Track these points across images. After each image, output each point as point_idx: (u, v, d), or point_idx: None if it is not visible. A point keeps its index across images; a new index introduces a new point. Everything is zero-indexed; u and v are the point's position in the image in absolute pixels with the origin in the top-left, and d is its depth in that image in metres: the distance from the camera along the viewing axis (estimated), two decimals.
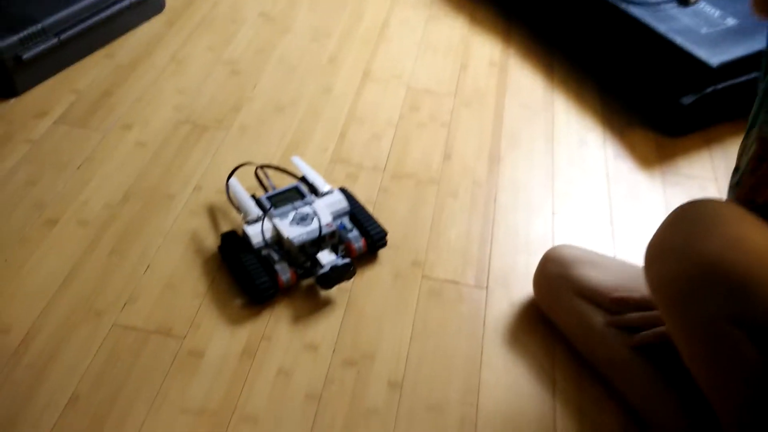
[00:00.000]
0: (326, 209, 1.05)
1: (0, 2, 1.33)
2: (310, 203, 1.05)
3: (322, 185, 1.10)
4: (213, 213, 1.12)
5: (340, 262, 0.97)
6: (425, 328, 0.98)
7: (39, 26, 1.30)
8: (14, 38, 1.26)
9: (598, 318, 0.90)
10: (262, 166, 1.16)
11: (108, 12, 1.41)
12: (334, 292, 1.02)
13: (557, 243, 1.12)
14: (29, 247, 1.04)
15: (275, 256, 1.00)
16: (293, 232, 1.00)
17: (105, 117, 1.29)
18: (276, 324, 0.97)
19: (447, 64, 1.50)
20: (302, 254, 1.01)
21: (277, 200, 1.06)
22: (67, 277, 1.00)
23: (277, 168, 1.17)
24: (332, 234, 1.03)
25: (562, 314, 0.96)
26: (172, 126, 1.28)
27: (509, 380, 0.92)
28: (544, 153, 1.29)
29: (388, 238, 1.08)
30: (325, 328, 0.97)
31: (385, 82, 1.44)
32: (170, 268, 1.03)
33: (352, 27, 1.59)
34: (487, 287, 1.04)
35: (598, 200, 1.20)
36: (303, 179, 1.12)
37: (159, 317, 0.96)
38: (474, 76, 1.47)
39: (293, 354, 0.93)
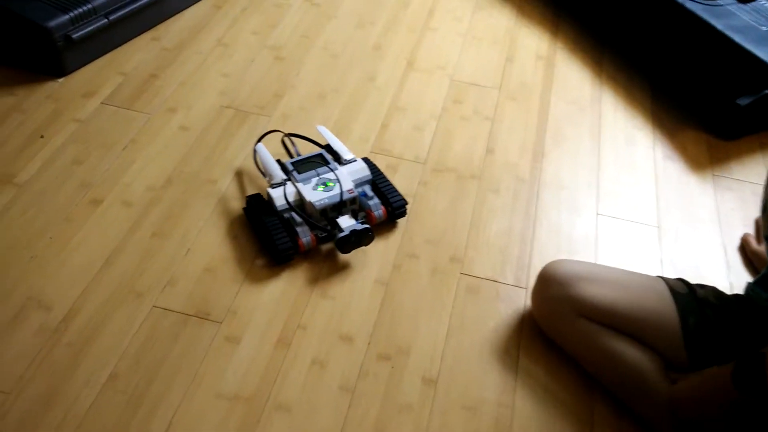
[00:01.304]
0: (348, 176, 1.08)
1: None
2: (333, 170, 1.08)
3: (346, 153, 1.12)
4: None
5: (359, 227, 1.00)
6: (462, 325, 0.97)
7: (89, 6, 1.31)
8: (65, 18, 1.28)
9: (604, 339, 0.85)
10: (289, 134, 1.18)
11: None
12: (371, 284, 1.01)
13: (601, 244, 1.09)
14: (74, 226, 1.06)
15: (297, 219, 1.03)
16: (315, 196, 1.03)
17: (150, 99, 1.30)
18: (312, 314, 0.97)
19: (492, 56, 1.47)
20: (323, 218, 1.04)
21: (302, 166, 1.09)
22: (109, 258, 1.02)
23: (303, 137, 1.18)
24: (353, 200, 1.05)
25: (566, 336, 0.90)
26: (215, 111, 1.29)
27: (547, 383, 0.90)
28: (590, 151, 1.26)
29: (428, 231, 1.06)
30: (361, 320, 0.96)
31: (429, 72, 1.42)
32: (210, 252, 1.04)
33: (397, 15, 1.57)
34: (526, 287, 1.02)
35: (646, 202, 1.17)
36: (328, 147, 1.15)
37: (198, 301, 0.97)
38: (520, 69, 1.44)
39: (328, 344, 0.93)
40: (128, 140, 1.21)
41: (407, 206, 1.10)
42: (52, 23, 1.26)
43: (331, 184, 1.05)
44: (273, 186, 1.05)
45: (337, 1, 1.60)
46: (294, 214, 1.04)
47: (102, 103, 1.28)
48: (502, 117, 1.32)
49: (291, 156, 1.15)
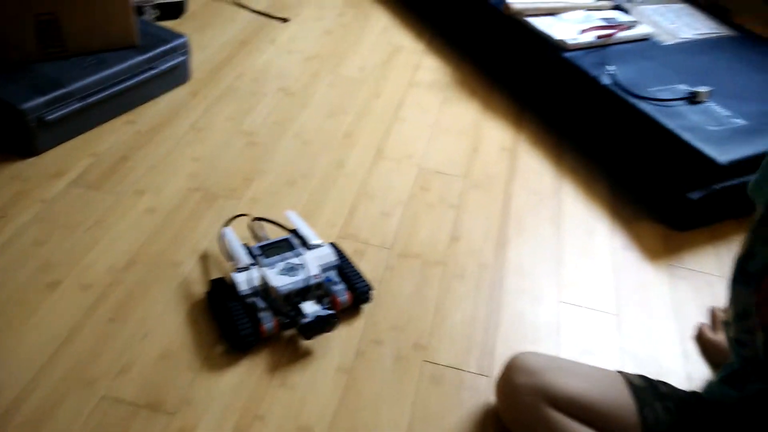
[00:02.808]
0: (315, 261, 1.08)
1: (31, 64, 1.39)
2: (299, 255, 1.08)
3: (313, 238, 1.13)
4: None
5: (324, 312, 1.00)
6: (425, 415, 0.95)
7: (66, 89, 1.34)
8: (40, 100, 1.30)
9: (572, 429, 0.83)
10: (256, 219, 1.19)
11: (134, 80, 1.47)
12: (333, 372, 0.99)
13: (563, 332, 1.10)
14: (30, 307, 1.04)
15: (260, 305, 1.02)
16: (280, 281, 1.03)
17: (119, 181, 1.31)
18: (271, 404, 0.94)
19: (459, 146, 1.53)
20: (287, 303, 1.03)
21: (268, 250, 1.09)
22: (64, 341, 0.99)
23: (270, 221, 1.20)
24: (318, 285, 1.05)
25: (533, 427, 0.87)
26: (183, 194, 1.30)
27: None
28: (552, 240, 1.29)
29: (392, 316, 1.06)
30: (321, 410, 0.94)
31: (397, 160, 1.46)
32: (168, 337, 1.02)
33: (368, 105, 1.64)
34: (490, 375, 1.02)
35: (605, 291, 1.19)
36: (295, 232, 1.16)
37: (151, 389, 0.94)
38: (484, 159, 1.49)
39: None
40: (93, 221, 1.21)
41: (372, 291, 1.10)
42: (27, 105, 1.29)
43: (296, 269, 1.06)
44: (238, 270, 1.05)
45: (311, 91, 1.66)
46: (257, 300, 1.03)
47: (70, 184, 1.29)
48: (467, 205, 1.35)
49: (258, 240, 1.16)
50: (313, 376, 0.99)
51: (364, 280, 1.10)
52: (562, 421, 0.84)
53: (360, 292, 1.08)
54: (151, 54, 1.50)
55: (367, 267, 1.18)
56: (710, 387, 0.92)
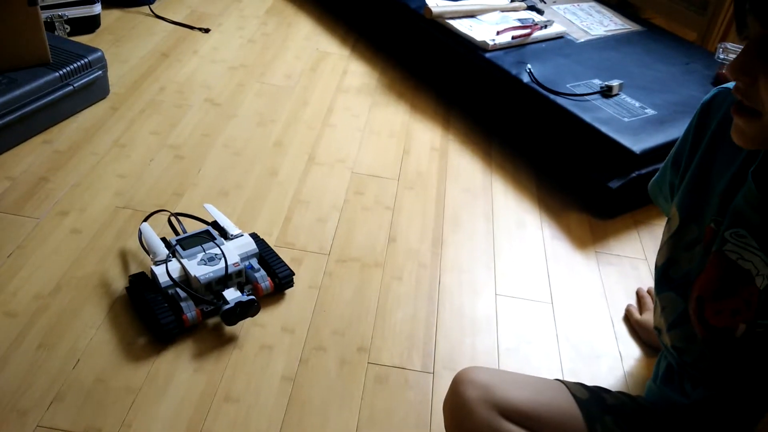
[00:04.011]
0: (235, 250, 1.11)
1: None
2: (219, 245, 1.10)
3: (232, 229, 1.16)
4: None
5: (245, 298, 1.02)
6: (372, 416, 0.96)
7: None
8: None
9: None
10: (175, 214, 1.20)
11: (49, 98, 1.40)
12: (278, 381, 0.98)
13: (502, 323, 1.13)
14: None
15: (182, 295, 1.03)
16: (200, 270, 1.05)
17: (40, 203, 1.25)
18: (215, 421, 0.92)
19: (390, 149, 1.55)
20: (209, 292, 1.05)
21: (187, 242, 1.11)
22: None
23: (189, 215, 1.21)
24: (239, 273, 1.08)
25: None
26: (110, 212, 1.25)
27: None
28: (485, 235, 1.33)
29: (334, 322, 1.07)
30: (268, 421, 0.93)
31: (330, 166, 1.46)
32: (102, 361, 0.98)
33: (297, 113, 1.63)
34: (433, 372, 1.03)
35: (539, 281, 1.23)
36: (215, 224, 1.18)
37: (88, 416, 0.90)
38: (416, 160, 1.52)
39: None
40: (14, 246, 1.15)
41: (294, 277, 1.13)
42: None
43: (216, 258, 1.08)
44: (156, 263, 1.06)
45: (238, 101, 1.64)
46: (178, 290, 1.04)
47: None
48: (402, 206, 1.37)
49: (177, 234, 1.16)
50: (258, 387, 0.98)
51: (285, 267, 1.13)
52: None
53: (282, 277, 1.11)
54: (65, 70, 1.44)
55: (306, 274, 1.17)
56: (651, 389, 0.93)
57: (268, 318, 1.09)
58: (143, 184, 1.33)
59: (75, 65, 1.46)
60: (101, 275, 1.12)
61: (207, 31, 1.96)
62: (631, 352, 1.11)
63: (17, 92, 1.35)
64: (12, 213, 1.22)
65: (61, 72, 1.43)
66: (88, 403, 0.92)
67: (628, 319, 1.16)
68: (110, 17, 1.94)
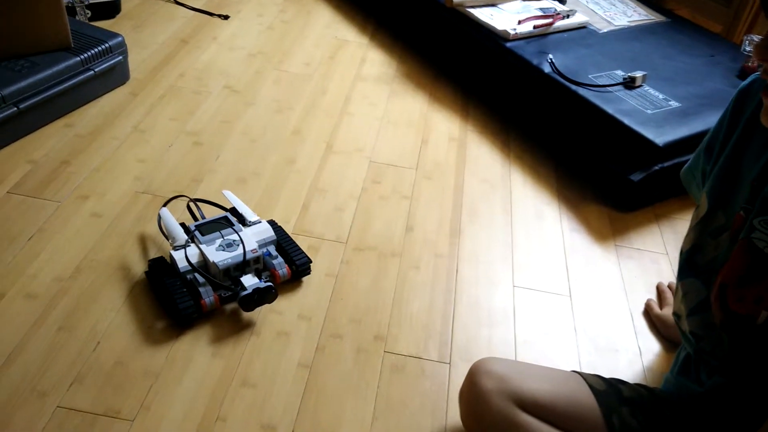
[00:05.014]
0: (253, 237, 1.11)
1: None
2: (237, 231, 1.11)
3: (251, 215, 1.16)
4: None
5: (263, 285, 1.02)
6: (388, 405, 0.96)
7: None
8: None
9: None
10: (194, 199, 1.21)
11: (70, 83, 1.41)
12: (294, 368, 0.99)
13: (519, 315, 1.13)
14: None
15: (200, 280, 1.04)
16: (219, 256, 1.06)
17: (60, 187, 1.26)
18: (232, 405, 0.93)
19: (408, 138, 1.54)
20: (227, 278, 1.06)
21: (206, 228, 1.12)
22: (10, 355, 0.95)
23: (208, 201, 1.22)
24: (257, 259, 1.08)
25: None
26: (130, 197, 1.26)
27: None
28: (503, 226, 1.32)
29: (351, 310, 1.07)
30: (284, 407, 0.93)
31: (347, 154, 1.46)
32: (121, 344, 0.99)
33: (315, 101, 1.63)
34: (450, 362, 1.03)
35: (557, 273, 1.22)
36: (233, 210, 1.18)
37: (107, 398, 0.91)
38: (434, 150, 1.51)
39: None
40: (35, 230, 1.16)
41: (311, 264, 1.13)
42: None
43: (234, 244, 1.08)
44: (175, 248, 1.07)
45: (256, 88, 1.64)
46: (197, 275, 1.04)
47: (8, 192, 1.23)
48: (420, 196, 1.37)
49: (196, 220, 1.17)
50: (275, 373, 0.98)
51: (303, 254, 1.13)
52: (534, 423, 0.81)
53: (299, 265, 1.11)
54: (86, 55, 1.45)
55: (323, 262, 1.17)
56: (668, 381, 0.93)
57: (285, 305, 1.09)
58: (162, 170, 1.34)
59: (96, 50, 1.46)
60: (121, 259, 1.13)
61: (226, 17, 1.96)
62: (651, 346, 1.10)
63: (39, 76, 1.36)
64: (33, 196, 1.23)
65: (82, 57, 1.44)
66: (108, 386, 0.93)
67: (647, 313, 1.15)
68: (131, 3, 1.94)
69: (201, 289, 1.03)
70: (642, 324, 1.14)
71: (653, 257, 1.28)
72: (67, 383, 0.92)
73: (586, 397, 0.85)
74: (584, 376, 0.87)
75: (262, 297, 1.03)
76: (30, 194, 1.23)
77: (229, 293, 1.05)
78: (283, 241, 1.15)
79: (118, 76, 1.55)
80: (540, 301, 1.16)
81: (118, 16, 1.86)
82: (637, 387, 0.89)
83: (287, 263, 1.11)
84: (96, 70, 1.46)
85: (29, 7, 1.37)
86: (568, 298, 1.17)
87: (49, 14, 1.41)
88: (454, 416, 0.95)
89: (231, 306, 1.07)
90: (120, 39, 1.53)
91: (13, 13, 1.36)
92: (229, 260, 1.05)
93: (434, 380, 1.00)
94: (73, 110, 1.46)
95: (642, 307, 1.17)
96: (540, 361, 1.04)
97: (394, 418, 0.94)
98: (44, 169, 1.30)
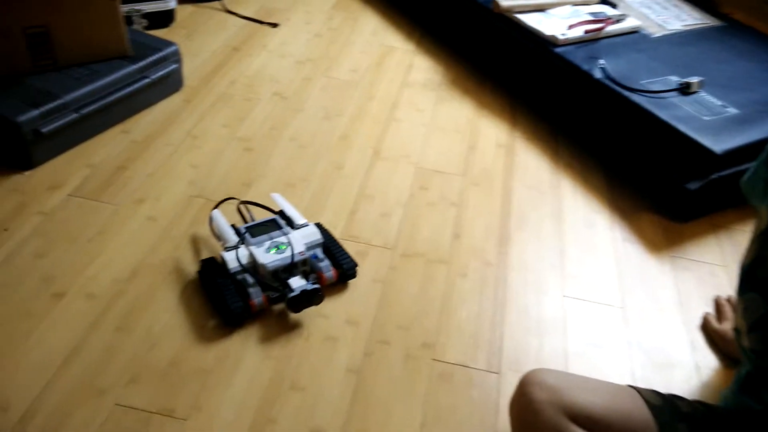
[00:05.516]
0: (300, 240, 1.13)
1: (23, 77, 1.38)
2: (285, 234, 1.12)
3: (299, 218, 1.18)
4: None
5: (310, 287, 1.04)
6: (436, 414, 0.95)
7: (60, 101, 1.33)
8: (35, 112, 1.29)
9: None
10: (244, 202, 1.24)
11: (128, 90, 1.46)
12: (342, 373, 0.99)
13: (570, 326, 1.11)
14: (34, 320, 1.03)
15: (249, 281, 1.06)
16: (267, 258, 1.08)
17: (118, 191, 1.30)
18: (282, 407, 0.94)
19: (455, 144, 1.53)
20: (275, 279, 1.07)
21: (256, 230, 1.14)
22: (70, 353, 0.98)
23: (257, 204, 1.24)
24: (304, 262, 1.11)
25: None
26: (184, 201, 1.29)
27: None
28: (553, 234, 1.30)
29: (398, 316, 1.07)
30: (333, 411, 0.94)
31: (394, 161, 1.46)
32: (175, 345, 1.01)
33: (363, 107, 1.64)
34: (499, 371, 1.02)
35: (609, 284, 1.20)
36: (281, 213, 1.20)
37: (162, 398, 0.93)
38: (482, 157, 1.50)
39: None
40: (94, 232, 1.20)
41: (357, 268, 1.14)
42: (22, 118, 1.27)
43: (283, 246, 1.10)
44: (226, 249, 1.09)
45: (305, 95, 1.66)
46: (246, 276, 1.07)
47: (69, 195, 1.28)
48: (467, 203, 1.36)
49: (246, 222, 1.20)
50: (323, 377, 0.99)
51: (349, 258, 1.14)
52: None
53: (345, 268, 1.12)
54: (143, 63, 1.49)
55: (370, 268, 1.18)
56: (726, 398, 0.90)
57: (332, 310, 1.10)
58: (214, 175, 1.37)
59: (152, 58, 1.51)
60: (175, 261, 1.16)
61: (276, 25, 1.99)
62: (708, 362, 1.06)
63: (98, 83, 1.41)
64: (92, 199, 1.28)
65: (139, 65, 1.48)
66: (162, 385, 0.95)
67: (705, 327, 1.11)
68: (184, 12, 2.00)
69: (250, 290, 1.05)
70: (699, 338, 1.10)
71: (710, 269, 1.24)
72: (124, 381, 0.95)
73: (641, 411, 0.82)
74: (639, 391, 0.85)
75: (309, 299, 1.04)
76: (89, 197, 1.28)
77: (277, 294, 1.07)
78: (330, 245, 1.16)
79: (172, 83, 1.60)
80: (591, 312, 1.14)
81: (172, 24, 1.92)
82: (694, 403, 0.86)
83: (334, 266, 1.13)
84: (152, 77, 1.51)
85: (90, 17, 1.43)
86: (621, 310, 1.14)
87: (108, 24, 1.46)
88: (504, 427, 0.94)
89: (278, 307, 1.09)
90: (175, 47, 1.57)
91: (74, 23, 1.41)
92: (278, 262, 1.07)
93: (483, 390, 0.99)
94: (130, 117, 1.51)
95: (699, 321, 1.13)
96: (592, 373, 1.02)
97: (442, 427, 0.93)
98: (102, 173, 1.34)
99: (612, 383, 0.88)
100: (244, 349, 1.02)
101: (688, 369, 1.05)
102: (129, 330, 1.03)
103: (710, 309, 1.16)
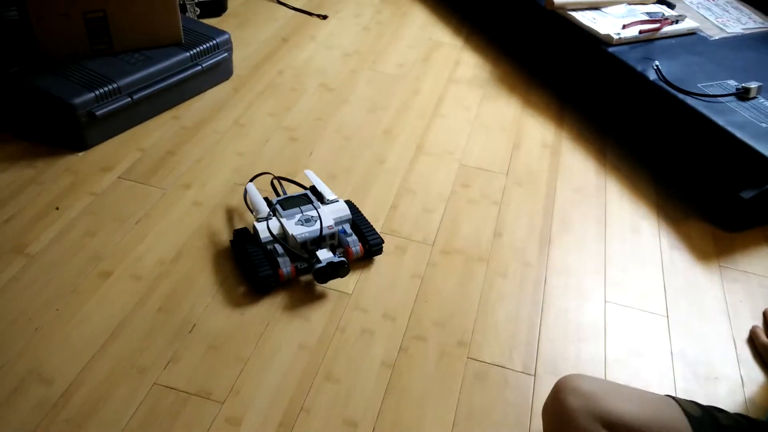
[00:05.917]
0: (330, 214, 1.17)
1: (80, 61, 1.42)
2: (316, 208, 1.17)
3: (329, 194, 1.21)
4: None
5: (336, 259, 1.08)
6: (469, 413, 0.95)
7: (115, 85, 1.37)
8: (90, 95, 1.33)
9: None
10: (277, 177, 1.27)
11: (180, 76, 1.49)
12: (377, 366, 0.99)
13: (610, 332, 1.08)
14: (81, 298, 1.06)
15: (279, 251, 1.10)
16: (297, 230, 1.12)
17: (166, 175, 1.33)
18: (316, 397, 0.95)
19: (500, 143, 1.52)
20: (303, 250, 1.12)
21: (287, 203, 1.18)
22: (114, 332, 1.01)
23: (290, 180, 1.28)
24: (332, 236, 1.14)
25: None
26: (228, 187, 1.31)
27: None
28: (596, 238, 1.27)
29: (435, 313, 1.06)
30: (366, 404, 0.94)
31: (438, 156, 1.45)
32: (215, 328, 1.03)
33: (408, 101, 1.63)
34: (534, 374, 1.01)
35: (654, 291, 1.16)
36: (313, 189, 1.24)
37: (200, 379, 0.95)
38: (526, 156, 1.48)
39: (332, 429, 0.91)
40: (142, 214, 1.23)
41: (383, 245, 1.18)
42: (78, 100, 1.31)
43: (312, 220, 1.13)
44: (259, 220, 1.14)
45: (350, 87, 1.67)
46: (277, 246, 1.11)
47: (119, 177, 1.32)
48: (509, 202, 1.34)
49: (278, 195, 1.23)
50: (358, 370, 0.99)
51: (376, 234, 1.18)
52: None
53: (372, 244, 1.16)
54: (195, 51, 1.52)
55: (409, 263, 1.17)
56: None
57: (370, 303, 1.10)
58: (259, 163, 1.39)
59: (204, 46, 1.54)
60: (218, 246, 1.18)
61: (325, 17, 2.00)
62: (755, 376, 1.03)
63: (152, 69, 1.44)
64: (141, 182, 1.31)
65: (191, 52, 1.51)
66: (202, 367, 0.97)
67: (753, 341, 1.08)
68: (236, 1, 2.02)
69: (279, 260, 1.09)
70: (746, 352, 1.07)
71: (762, 281, 1.19)
72: (164, 362, 0.97)
73: (679, 423, 0.80)
74: (678, 401, 0.82)
75: (335, 270, 1.07)
76: (138, 180, 1.31)
77: (305, 265, 1.10)
78: (358, 221, 1.19)
79: (222, 71, 1.62)
80: (634, 319, 1.11)
81: (224, 14, 1.95)
82: (736, 416, 0.83)
83: (361, 242, 1.16)
84: (203, 65, 1.53)
85: (146, 3, 1.46)
86: (665, 319, 1.11)
87: (164, 11, 1.49)
88: (537, 429, 0.93)
89: (306, 278, 1.12)
90: (227, 36, 1.60)
91: (131, 9, 1.44)
92: (307, 234, 1.11)
93: (518, 391, 0.98)
94: (180, 103, 1.54)
95: (747, 334, 1.09)
96: (631, 382, 1.00)
97: (475, 426, 0.93)
98: (152, 157, 1.38)
99: (649, 392, 0.86)
100: (282, 337, 1.03)
101: (734, 383, 1.01)
102: (171, 311, 1.05)
103: (759, 322, 1.11)
